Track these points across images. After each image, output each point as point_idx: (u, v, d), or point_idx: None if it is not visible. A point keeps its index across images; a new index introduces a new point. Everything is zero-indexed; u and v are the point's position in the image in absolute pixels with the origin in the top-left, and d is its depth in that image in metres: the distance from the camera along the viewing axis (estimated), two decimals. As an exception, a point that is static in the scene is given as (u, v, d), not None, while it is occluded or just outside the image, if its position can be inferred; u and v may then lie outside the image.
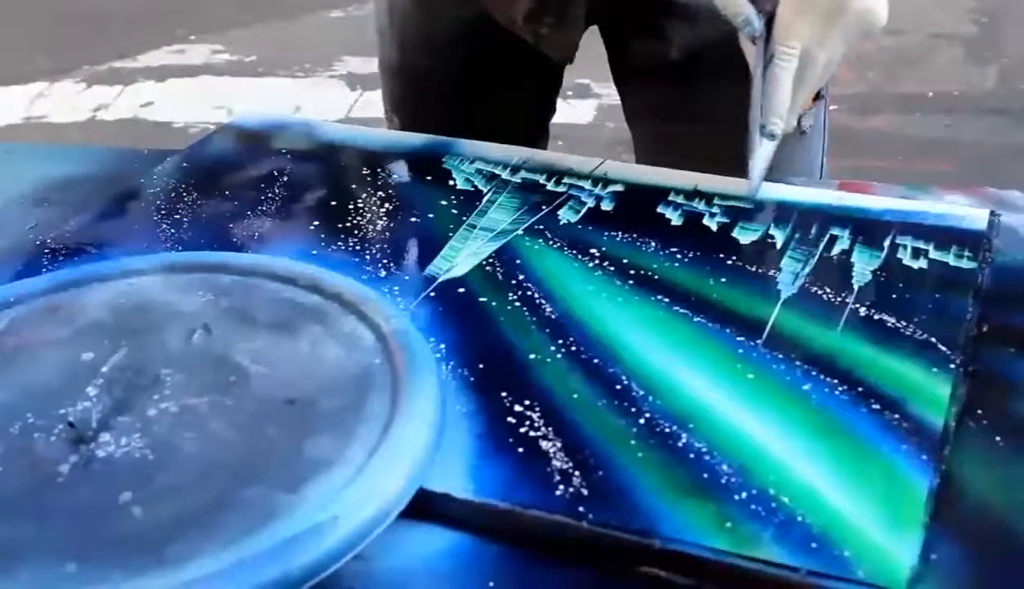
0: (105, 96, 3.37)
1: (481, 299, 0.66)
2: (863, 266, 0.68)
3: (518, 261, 0.69)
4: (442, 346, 0.61)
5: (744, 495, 0.50)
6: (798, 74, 0.74)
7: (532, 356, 0.60)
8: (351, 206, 0.77)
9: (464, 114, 0.95)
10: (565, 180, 0.79)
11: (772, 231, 0.72)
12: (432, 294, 0.66)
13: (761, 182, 0.76)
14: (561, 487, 0.51)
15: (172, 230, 0.75)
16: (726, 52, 0.79)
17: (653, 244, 0.71)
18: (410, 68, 1.02)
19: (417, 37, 1.00)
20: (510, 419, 0.55)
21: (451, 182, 0.80)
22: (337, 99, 3.28)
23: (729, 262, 0.69)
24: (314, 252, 0.71)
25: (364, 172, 0.82)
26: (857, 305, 0.64)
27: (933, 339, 0.61)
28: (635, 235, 0.72)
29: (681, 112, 0.92)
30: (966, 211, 0.74)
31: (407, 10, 0.99)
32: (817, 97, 0.94)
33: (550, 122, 1.08)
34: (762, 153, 0.76)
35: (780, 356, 0.60)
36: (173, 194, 0.80)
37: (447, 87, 0.99)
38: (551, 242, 0.71)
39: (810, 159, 0.96)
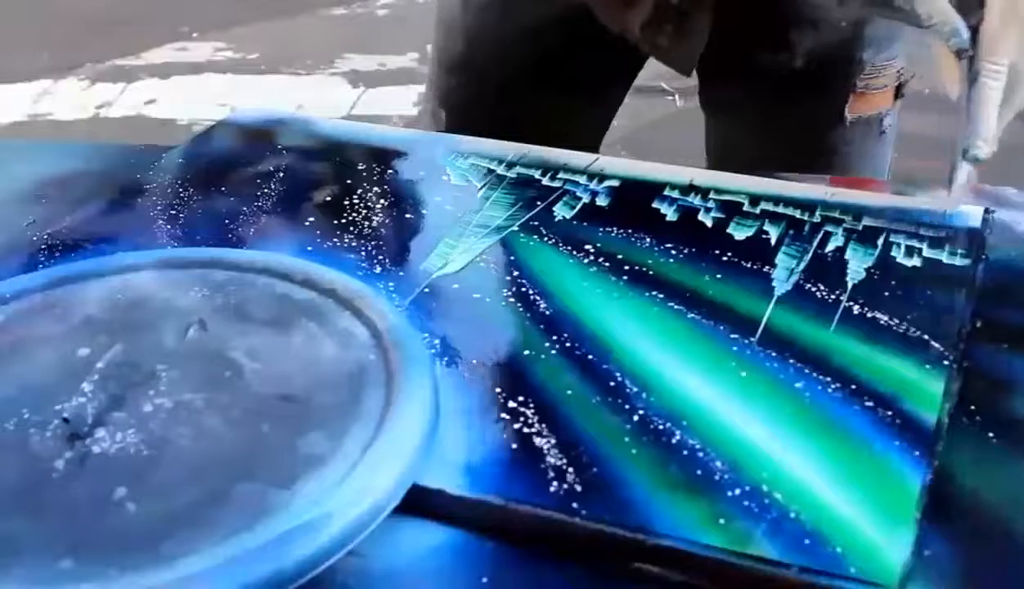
0: (109, 93, 3.38)
1: (475, 295, 0.66)
2: (857, 264, 0.68)
3: (513, 257, 0.69)
4: (436, 342, 0.61)
5: (737, 492, 0.50)
6: (1004, 92, 0.70)
7: (526, 352, 0.60)
8: (346, 202, 0.77)
9: (519, 117, 0.93)
10: (560, 175, 0.79)
11: (766, 227, 0.72)
12: (427, 290, 0.66)
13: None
14: (555, 483, 0.51)
15: (168, 226, 0.75)
16: (835, 59, 0.78)
17: (648, 240, 0.71)
18: (474, 62, 1.00)
19: (490, 32, 0.98)
20: (504, 415, 0.55)
21: (446, 178, 0.80)
22: (339, 97, 3.29)
23: (724, 258, 0.69)
24: (309, 248, 0.71)
25: (360, 168, 0.82)
26: (851, 302, 0.64)
27: (927, 336, 0.61)
28: (630, 231, 0.72)
29: (777, 114, 0.91)
30: (960, 208, 0.74)
31: (484, 3, 0.98)
32: (898, 95, 0.95)
33: (600, 143, 1.06)
34: (963, 177, 0.72)
35: (774, 353, 0.60)
36: (170, 190, 0.80)
37: (508, 86, 0.98)
38: (546, 238, 0.71)
39: (884, 156, 0.97)
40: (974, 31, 0.70)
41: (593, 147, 1.03)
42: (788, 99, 0.78)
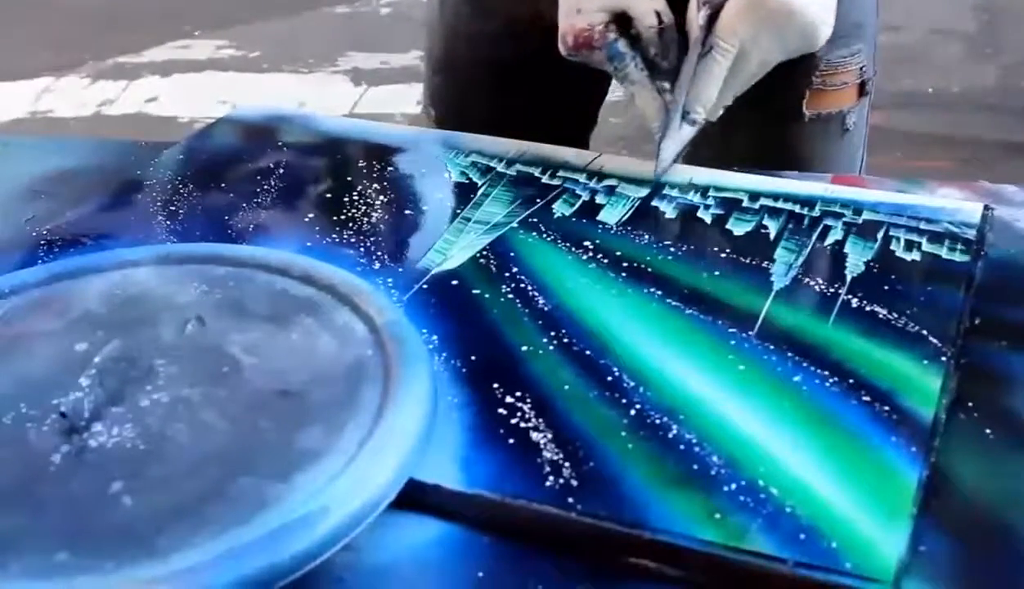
0: (110, 91, 3.38)
1: (474, 292, 0.66)
2: (856, 258, 0.68)
3: (512, 254, 0.69)
4: (434, 338, 0.61)
5: (733, 486, 0.50)
6: (731, 70, 0.76)
7: (524, 348, 0.60)
8: (346, 198, 0.77)
9: (502, 114, 0.94)
10: (560, 173, 0.79)
11: (766, 221, 0.72)
12: (425, 286, 0.66)
13: (671, 165, 0.78)
14: (551, 478, 0.51)
15: (168, 222, 0.75)
16: None
17: (647, 237, 0.71)
18: (454, 62, 1.01)
19: (465, 32, 0.99)
20: (501, 410, 0.55)
21: (446, 175, 0.80)
22: (341, 95, 3.29)
23: (723, 254, 0.69)
24: (308, 244, 0.71)
25: (360, 164, 0.82)
26: (849, 297, 0.64)
27: (925, 331, 0.61)
28: (629, 228, 0.72)
29: (733, 110, 0.91)
30: (960, 205, 0.74)
31: (458, 5, 0.99)
32: (862, 94, 0.95)
33: (589, 135, 1.07)
34: (679, 137, 0.78)
35: (772, 348, 0.60)
36: (170, 186, 0.80)
37: (488, 85, 0.98)
38: (545, 235, 0.72)
39: (851, 155, 0.97)
40: (717, 9, 0.76)
41: (580, 142, 1.04)
42: (744, 94, 0.79)
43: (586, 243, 0.70)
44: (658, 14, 0.79)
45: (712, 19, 0.76)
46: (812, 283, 0.66)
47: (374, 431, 0.52)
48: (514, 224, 0.73)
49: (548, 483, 0.51)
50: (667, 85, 0.79)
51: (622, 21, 0.80)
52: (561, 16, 0.83)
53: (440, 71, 1.03)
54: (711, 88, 0.76)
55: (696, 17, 0.77)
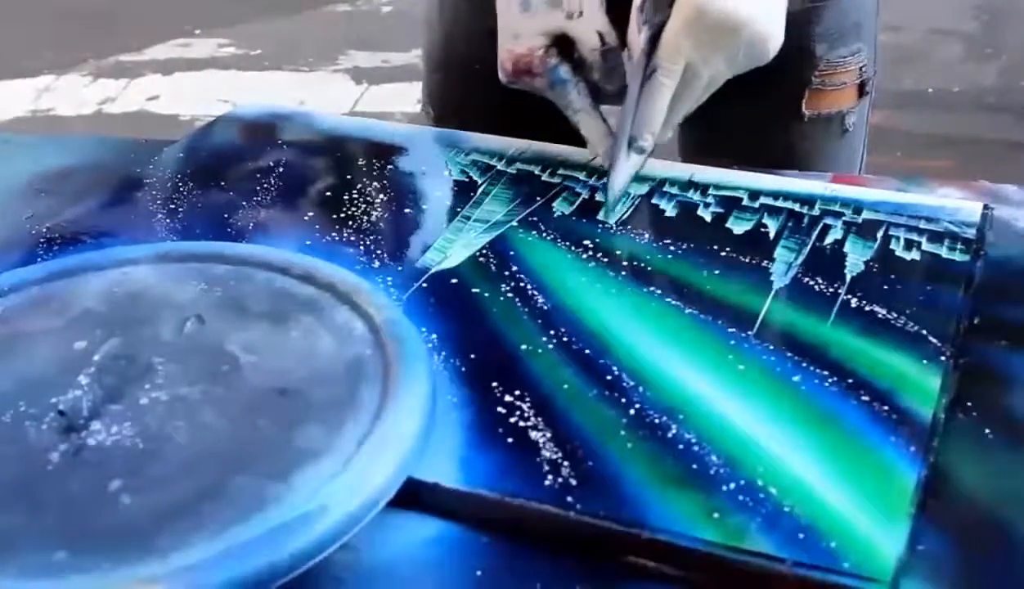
0: (111, 89, 3.38)
1: (474, 290, 0.66)
2: (856, 257, 0.68)
3: (511, 253, 0.69)
4: (434, 337, 0.61)
5: (732, 486, 0.50)
6: (678, 91, 0.72)
7: (523, 347, 0.60)
8: (346, 197, 0.77)
9: (502, 112, 0.94)
10: (560, 171, 0.79)
11: (765, 220, 0.72)
12: (425, 285, 0.66)
13: (620, 198, 0.74)
14: (550, 477, 0.51)
15: (168, 220, 0.75)
16: (787, 54, 0.79)
17: (647, 235, 0.71)
18: (453, 60, 1.01)
19: (464, 30, 0.99)
20: (500, 409, 0.55)
21: (446, 173, 0.80)
22: (342, 94, 3.29)
23: (723, 253, 0.69)
24: (308, 242, 0.71)
25: (360, 163, 0.82)
26: (849, 296, 0.64)
27: (924, 331, 0.61)
28: (629, 226, 0.72)
29: (732, 109, 0.90)
30: (960, 204, 0.74)
31: (457, 3, 0.99)
32: (862, 94, 0.95)
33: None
34: (627, 166, 0.73)
35: (771, 347, 0.60)
36: (170, 184, 0.80)
37: (487, 84, 0.98)
38: (544, 234, 0.71)
39: (850, 155, 0.96)
40: (658, 29, 0.71)
41: (579, 140, 1.03)
42: (743, 93, 0.78)
43: (586, 241, 0.70)
44: (601, 36, 0.76)
45: (655, 39, 0.71)
46: (812, 282, 0.66)
47: (373, 430, 0.52)
48: (514, 222, 0.73)
49: (547, 482, 0.51)
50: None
51: (563, 45, 0.77)
52: (500, 42, 0.80)
53: (439, 69, 1.03)
54: (657, 113, 0.72)
55: (637, 38, 0.73)
